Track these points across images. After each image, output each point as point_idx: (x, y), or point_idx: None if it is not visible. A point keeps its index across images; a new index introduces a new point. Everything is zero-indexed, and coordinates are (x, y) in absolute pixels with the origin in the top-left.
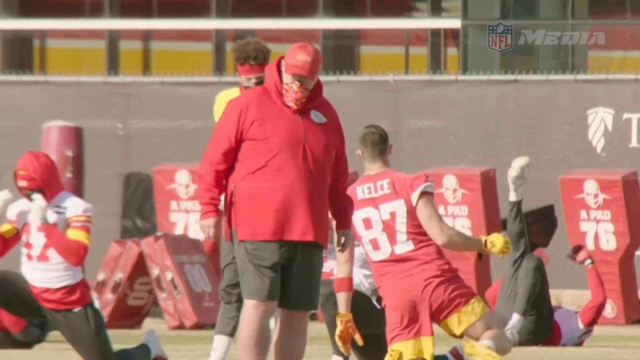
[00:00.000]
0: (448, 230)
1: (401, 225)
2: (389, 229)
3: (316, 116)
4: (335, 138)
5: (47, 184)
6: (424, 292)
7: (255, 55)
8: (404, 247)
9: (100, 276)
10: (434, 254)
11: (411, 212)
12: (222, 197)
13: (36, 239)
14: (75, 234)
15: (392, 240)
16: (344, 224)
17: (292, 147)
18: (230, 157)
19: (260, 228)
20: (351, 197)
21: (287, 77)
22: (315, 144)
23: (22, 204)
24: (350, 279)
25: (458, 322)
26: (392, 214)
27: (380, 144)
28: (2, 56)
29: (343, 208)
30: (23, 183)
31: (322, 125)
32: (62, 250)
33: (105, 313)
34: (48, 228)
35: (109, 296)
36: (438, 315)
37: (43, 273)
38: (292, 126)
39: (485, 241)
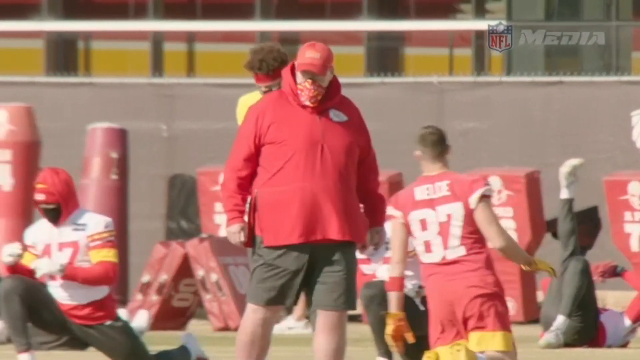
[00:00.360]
0: (506, 234)
1: (456, 228)
2: (444, 232)
3: (336, 115)
4: (358, 136)
5: (64, 200)
6: (462, 299)
7: (259, 66)
8: (455, 252)
9: (145, 278)
10: (482, 262)
11: (468, 216)
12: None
13: (58, 258)
14: (100, 255)
15: (445, 244)
16: (375, 221)
17: (309, 147)
18: (252, 162)
19: (282, 232)
20: (383, 195)
21: (299, 77)
22: (334, 142)
23: (37, 227)
24: (401, 279)
25: (478, 341)
26: (449, 217)
27: (440, 144)
28: (46, 58)
29: (373, 206)
30: (41, 196)
31: (342, 123)
32: (93, 284)
33: (150, 314)
34: (69, 273)
35: (154, 298)
36: (465, 325)
37: (68, 291)
38: (309, 127)
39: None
